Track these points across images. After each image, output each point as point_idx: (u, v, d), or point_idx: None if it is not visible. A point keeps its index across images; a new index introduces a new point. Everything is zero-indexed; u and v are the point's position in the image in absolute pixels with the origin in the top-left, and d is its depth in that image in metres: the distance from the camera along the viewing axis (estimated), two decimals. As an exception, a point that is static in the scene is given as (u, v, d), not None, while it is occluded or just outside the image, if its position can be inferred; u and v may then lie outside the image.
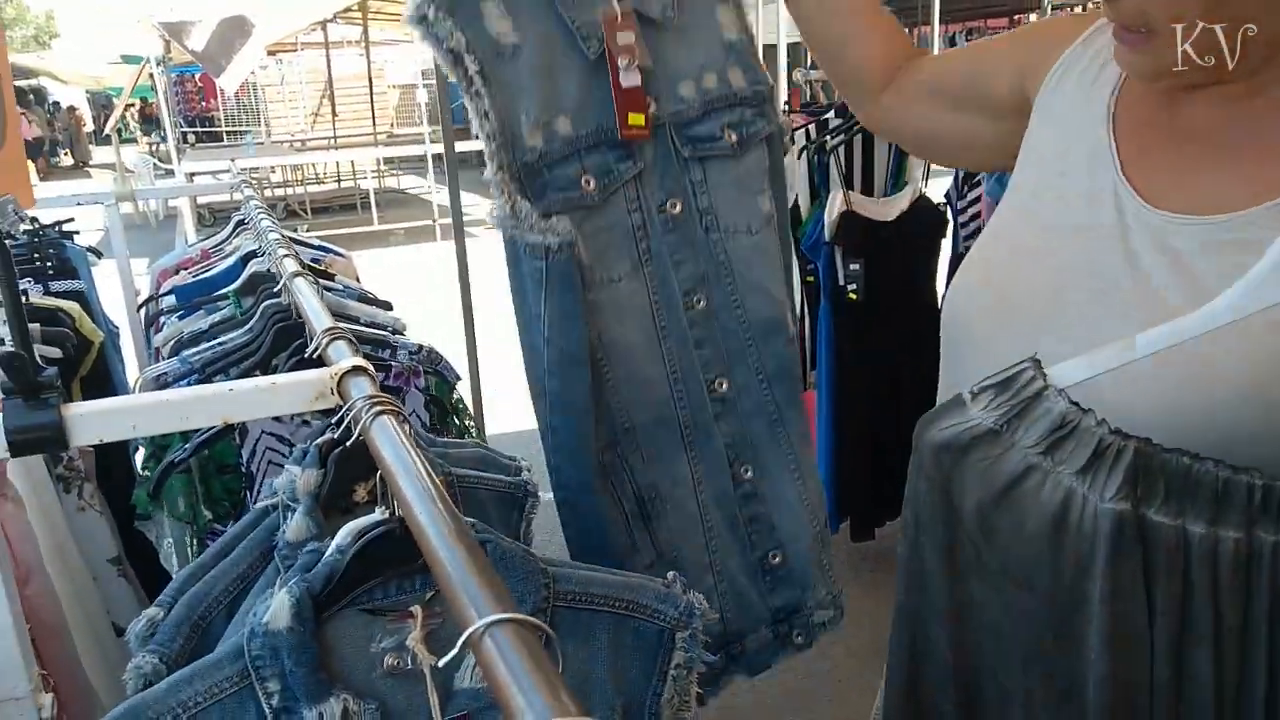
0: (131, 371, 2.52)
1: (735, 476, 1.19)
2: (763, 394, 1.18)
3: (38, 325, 1.74)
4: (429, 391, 1.52)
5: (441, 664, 0.45)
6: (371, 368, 0.83)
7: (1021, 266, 0.90)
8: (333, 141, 11.58)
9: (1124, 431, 0.67)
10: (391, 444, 0.67)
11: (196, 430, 1.18)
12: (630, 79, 1.02)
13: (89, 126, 21.69)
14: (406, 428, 0.71)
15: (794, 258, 2.61)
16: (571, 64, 1.01)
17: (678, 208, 1.10)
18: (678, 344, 1.13)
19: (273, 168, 10.72)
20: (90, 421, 0.77)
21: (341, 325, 0.99)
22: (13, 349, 0.76)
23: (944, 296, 2.63)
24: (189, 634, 0.83)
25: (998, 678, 0.76)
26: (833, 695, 2.35)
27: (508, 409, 4.13)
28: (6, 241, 0.85)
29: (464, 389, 1.66)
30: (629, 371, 1.11)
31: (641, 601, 0.81)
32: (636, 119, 1.04)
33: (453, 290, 3.22)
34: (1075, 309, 0.84)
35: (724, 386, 1.16)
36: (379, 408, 0.73)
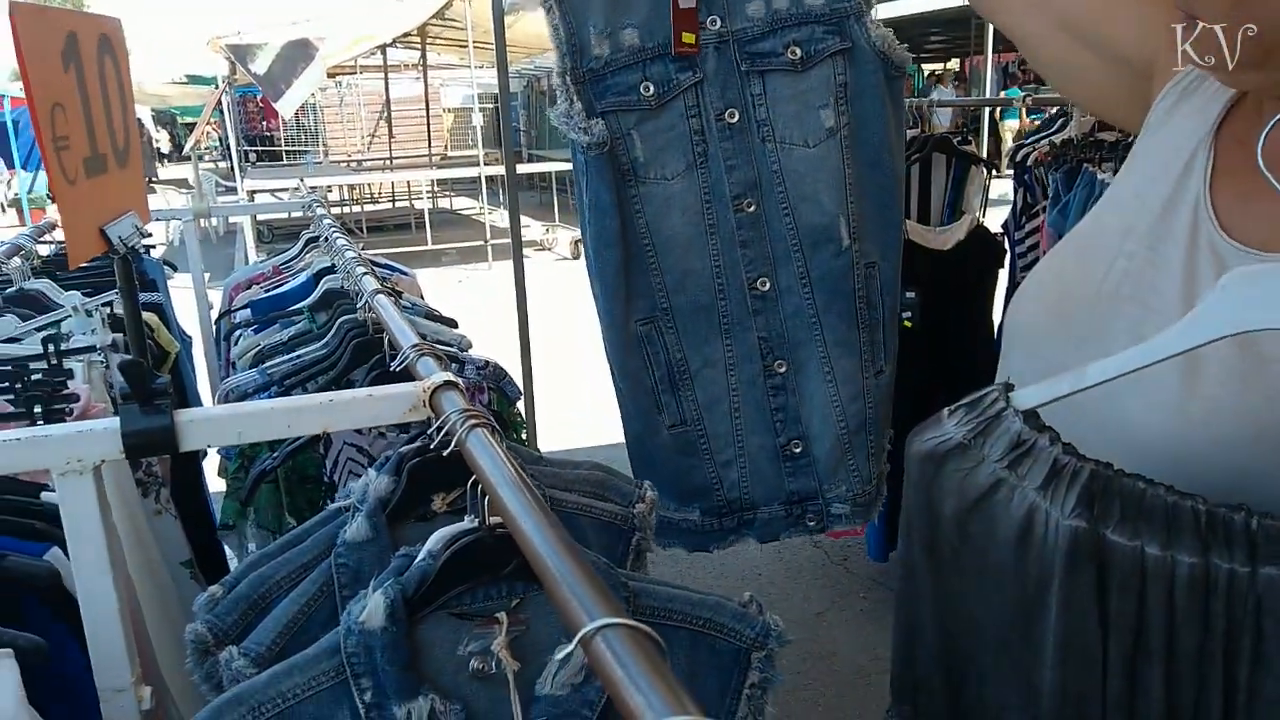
0: (202, 380, 2.61)
1: (768, 368, 1.31)
2: (804, 298, 1.28)
3: (121, 335, 1.81)
4: (491, 406, 1.56)
5: (559, 656, 0.48)
6: (461, 383, 0.86)
7: (1085, 270, 0.90)
8: (389, 162, 11.81)
9: (1079, 453, 0.72)
10: (489, 456, 0.70)
11: (282, 441, 1.23)
12: (687, 1, 1.17)
13: (157, 144, 22.28)
14: (500, 440, 0.74)
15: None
16: None
17: (735, 117, 1.22)
18: (724, 242, 1.26)
19: (329, 187, 10.97)
20: (200, 427, 0.82)
21: (427, 341, 1.03)
22: (132, 357, 0.81)
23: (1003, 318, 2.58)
24: (245, 610, 0.88)
25: (976, 661, 0.82)
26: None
27: (560, 429, 4.19)
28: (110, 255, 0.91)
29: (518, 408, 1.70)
30: (674, 260, 1.26)
31: (719, 620, 0.82)
32: (689, 37, 1.19)
33: (503, 309, 3.27)
34: (1125, 322, 0.84)
35: (765, 286, 1.27)
36: (473, 421, 0.76)
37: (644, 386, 1.33)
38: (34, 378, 1.34)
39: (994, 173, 2.68)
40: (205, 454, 2.26)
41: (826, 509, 1.35)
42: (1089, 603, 0.70)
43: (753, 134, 1.22)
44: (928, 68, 18.51)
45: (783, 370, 1.31)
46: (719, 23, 1.19)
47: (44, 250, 2.43)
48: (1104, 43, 0.99)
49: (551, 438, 3.57)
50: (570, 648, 0.48)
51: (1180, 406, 0.78)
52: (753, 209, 1.24)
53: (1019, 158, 2.57)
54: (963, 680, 0.84)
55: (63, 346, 1.60)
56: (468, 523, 0.79)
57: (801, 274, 1.26)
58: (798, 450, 1.33)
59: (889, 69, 1.20)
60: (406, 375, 0.97)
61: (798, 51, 1.19)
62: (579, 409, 4.65)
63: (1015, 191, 2.55)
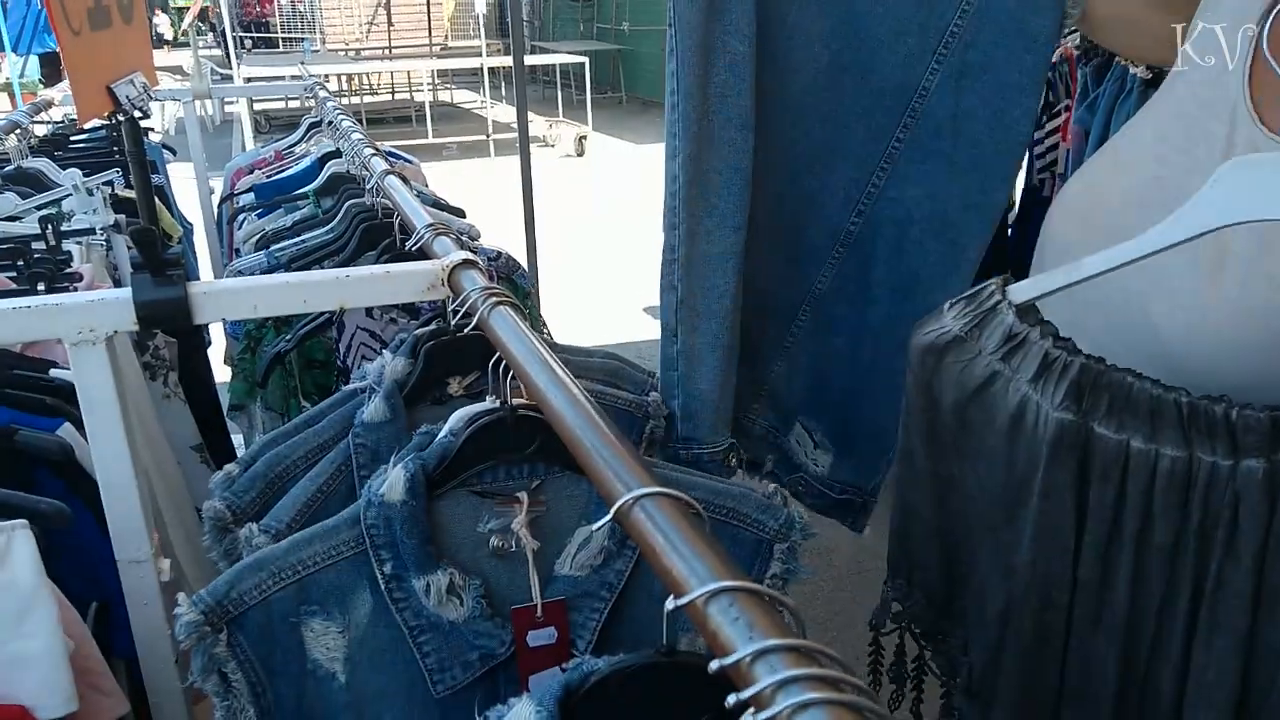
0: (204, 265, 2.58)
1: None
2: None
3: (124, 216, 1.77)
4: (503, 297, 1.54)
5: (595, 528, 0.48)
6: (481, 262, 0.84)
7: (1117, 179, 0.89)
8: (388, 51, 11.48)
9: (1072, 346, 0.72)
10: (513, 333, 0.69)
11: (294, 325, 1.21)
12: None
13: (157, 28, 21.56)
14: (524, 318, 0.72)
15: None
16: None
17: None
18: None
19: (327, 76, 10.68)
20: (214, 300, 0.80)
21: (440, 223, 1.01)
22: (142, 225, 0.79)
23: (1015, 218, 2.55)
24: (263, 489, 0.88)
25: (967, 540, 0.85)
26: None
27: (565, 326, 4.18)
28: (108, 124, 0.87)
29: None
30: None
31: (742, 510, 0.82)
32: None
33: (506, 204, 3.22)
34: (1156, 222, 0.82)
35: None
36: (495, 299, 0.74)
37: None
38: (36, 256, 1.31)
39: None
40: (210, 341, 2.25)
41: None
42: (1067, 491, 0.72)
43: None
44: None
45: None
46: None
47: (40, 130, 2.37)
48: None
49: (554, 334, 3.55)
50: (608, 518, 0.47)
51: (1202, 306, 0.77)
52: None
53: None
54: (954, 557, 0.87)
55: (64, 227, 1.57)
56: (489, 403, 0.78)
57: None
58: None
59: None
60: (422, 257, 0.95)
61: None
62: (584, 307, 4.64)
63: (1038, 90, 2.48)
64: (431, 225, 0.98)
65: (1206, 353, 0.77)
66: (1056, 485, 0.72)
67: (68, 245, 1.50)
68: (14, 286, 1.23)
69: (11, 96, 12.36)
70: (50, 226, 1.37)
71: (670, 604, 0.39)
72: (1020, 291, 0.77)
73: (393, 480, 0.74)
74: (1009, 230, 2.59)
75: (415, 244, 0.98)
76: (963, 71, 1.10)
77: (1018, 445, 0.74)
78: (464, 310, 0.77)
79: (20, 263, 1.26)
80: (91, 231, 1.64)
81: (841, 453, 1.31)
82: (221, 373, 1.86)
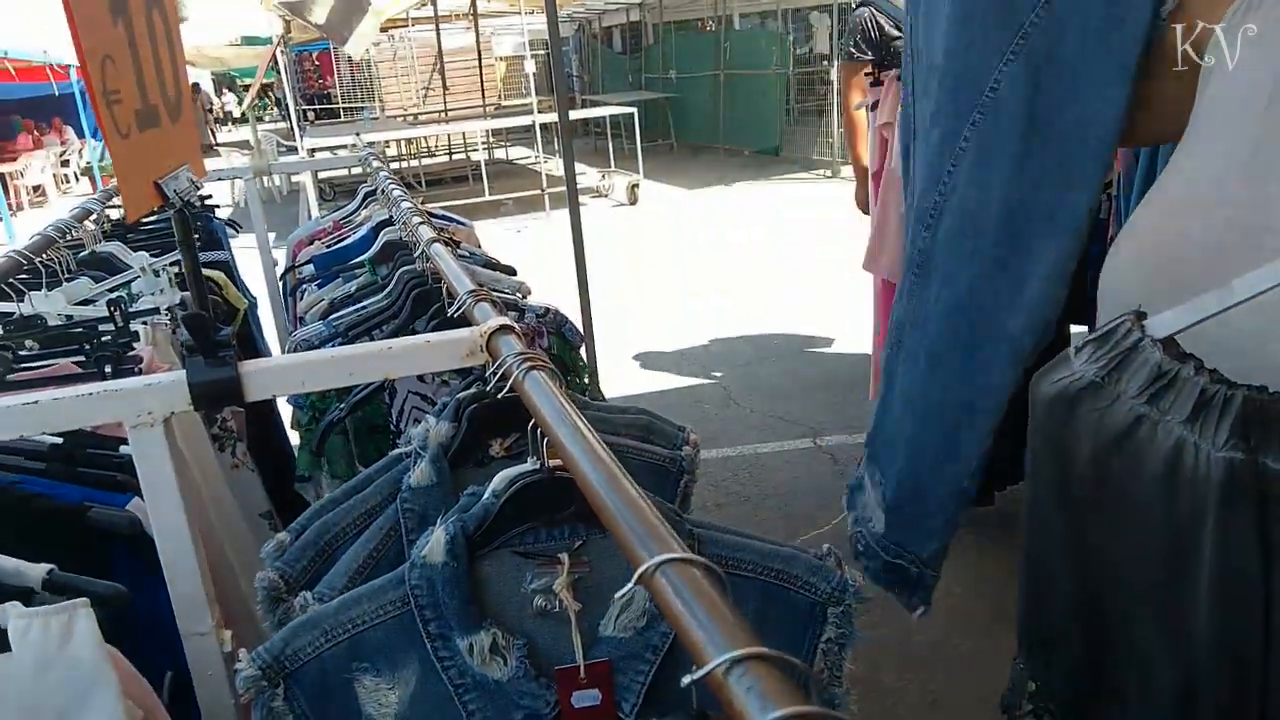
0: (269, 337, 2.66)
1: None
2: None
3: (189, 294, 1.85)
4: (551, 351, 1.56)
5: (620, 594, 0.48)
6: (518, 327, 0.86)
7: (1183, 227, 0.85)
8: (444, 115, 11.81)
9: (1229, 380, 0.67)
10: (546, 397, 0.70)
11: (350, 393, 1.25)
12: None
13: (217, 105, 22.63)
14: (558, 382, 0.73)
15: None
16: None
17: None
18: None
19: (387, 142, 11.03)
20: (265, 377, 0.83)
21: (483, 287, 1.03)
22: (195, 310, 0.82)
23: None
24: (314, 557, 0.90)
25: (1118, 609, 0.78)
26: (952, 656, 2.33)
27: (620, 374, 4.21)
28: (171, 212, 0.92)
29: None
30: None
31: (793, 572, 0.81)
32: None
33: (562, 255, 3.27)
34: (1240, 265, 0.79)
35: None
36: (530, 363, 0.76)
37: None
38: (104, 339, 1.38)
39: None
40: (276, 408, 2.32)
41: None
42: (1249, 538, 0.65)
43: None
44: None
45: None
46: None
47: (114, 214, 2.48)
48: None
49: (611, 382, 3.58)
50: (630, 586, 0.47)
51: None
52: None
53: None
54: (1103, 630, 0.80)
55: (132, 307, 1.64)
56: (530, 464, 0.79)
57: None
58: None
59: None
60: (466, 322, 0.97)
61: None
62: (639, 353, 4.66)
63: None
64: (473, 291, 1.00)
65: None
66: (1236, 530, 0.66)
67: (134, 325, 1.57)
68: (78, 371, 1.29)
69: (92, 180, 13.04)
70: (118, 309, 1.43)
71: (687, 678, 0.39)
72: (1162, 325, 0.71)
73: (434, 542, 0.75)
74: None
75: (457, 310, 1.00)
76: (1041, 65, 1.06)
77: (1176, 494, 0.68)
78: (500, 374, 0.78)
79: (88, 346, 1.32)
80: (156, 311, 1.71)
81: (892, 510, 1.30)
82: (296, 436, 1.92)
